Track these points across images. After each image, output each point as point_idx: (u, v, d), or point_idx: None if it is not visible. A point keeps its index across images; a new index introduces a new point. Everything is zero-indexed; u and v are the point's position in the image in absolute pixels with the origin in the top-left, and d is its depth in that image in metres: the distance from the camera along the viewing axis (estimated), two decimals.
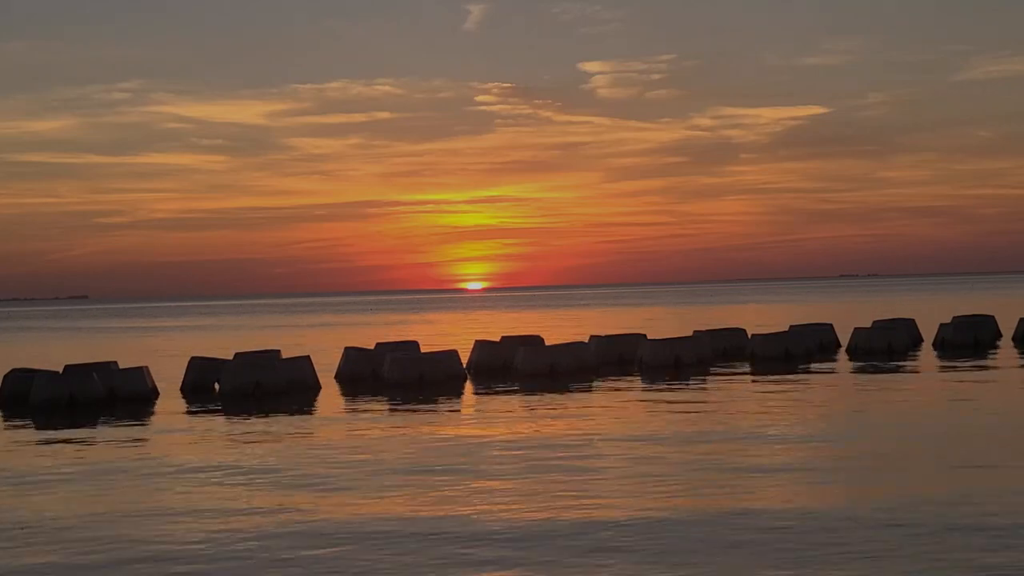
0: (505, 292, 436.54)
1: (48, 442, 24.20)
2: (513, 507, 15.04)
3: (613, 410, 26.29)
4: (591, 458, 19.08)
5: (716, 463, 18.10)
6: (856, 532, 12.94)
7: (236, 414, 28.32)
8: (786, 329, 46.54)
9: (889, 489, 15.40)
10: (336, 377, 38.43)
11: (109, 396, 32.20)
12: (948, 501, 14.46)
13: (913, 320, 48.80)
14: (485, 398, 30.37)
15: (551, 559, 12.20)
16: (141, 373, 33.14)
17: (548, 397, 29.94)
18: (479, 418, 25.70)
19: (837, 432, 21.28)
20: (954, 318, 47.04)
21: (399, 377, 35.26)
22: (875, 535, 12.76)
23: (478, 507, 15.14)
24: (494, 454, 19.96)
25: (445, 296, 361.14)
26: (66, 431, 26.13)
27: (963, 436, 20.18)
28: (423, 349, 45.02)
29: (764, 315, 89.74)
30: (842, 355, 41.99)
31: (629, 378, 35.23)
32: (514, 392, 31.78)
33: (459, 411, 27.38)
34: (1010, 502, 14.28)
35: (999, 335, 47.24)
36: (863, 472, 16.85)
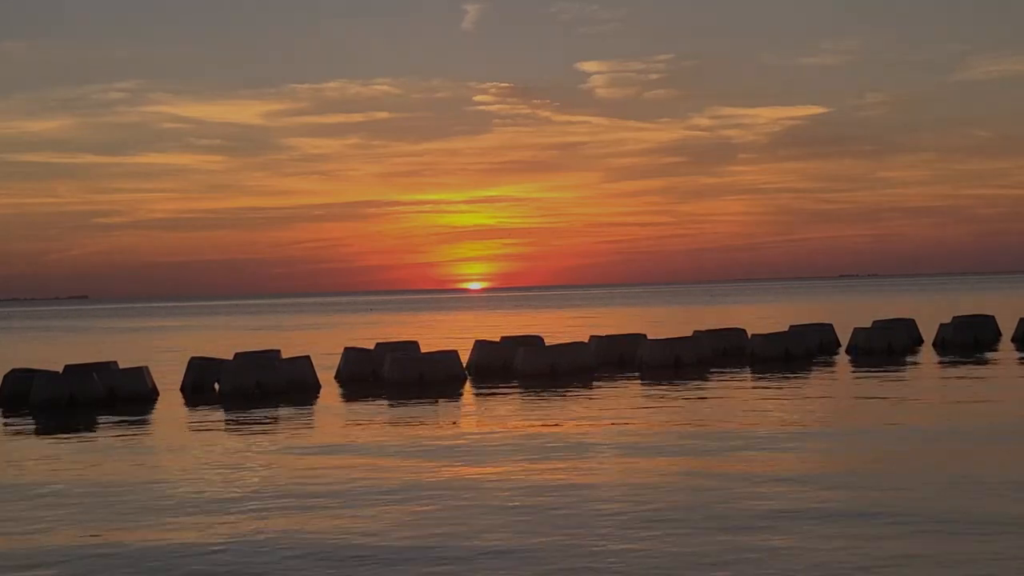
0: (505, 292, 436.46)
1: (48, 442, 24.20)
2: (512, 507, 15.04)
3: (613, 410, 26.28)
4: (590, 459, 19.08)
5: (715, 465, 18.10)
6: (856, 533, 12.93)
7: (236, 414, 28.33)
8: (786, 329, 46.56)
9: (889, 492, 15.40)
10: (336, 377, 38.42)
11: (109, 396, 32.21)
12: (947, 503, 14.46)
13: (913, 320, 48.80)
14: (485, 398, 30.37)
15: (551, 564, 12.20)
16: (141, 373, 33.16)
17: (548, 397, 29.94)
18: (479, 418, 25.70)
19: (836, 434, 21.28)
20: (954, 318, 47.05)
21: (399, 377, 35.26)
22: (875, 538, 12.76)
23: (476, 507, 15.14)
24: (493, 455, 19.96)
25: (445, 296, 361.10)
26: (66, 431, 26.13)
27: (962, 438, 20.18)
28: (423, 349, 45.02)
29: (764, 315, 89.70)
30: (842, 355, 42.01)
31: (629, 378, 35.23)
32: (514, 392, 31.77)
33: (459, 411, 27.38)
34: (1005, 503, 14.29)
35: (999, 335, 47.23)
36: (863, 474, 16.85)
